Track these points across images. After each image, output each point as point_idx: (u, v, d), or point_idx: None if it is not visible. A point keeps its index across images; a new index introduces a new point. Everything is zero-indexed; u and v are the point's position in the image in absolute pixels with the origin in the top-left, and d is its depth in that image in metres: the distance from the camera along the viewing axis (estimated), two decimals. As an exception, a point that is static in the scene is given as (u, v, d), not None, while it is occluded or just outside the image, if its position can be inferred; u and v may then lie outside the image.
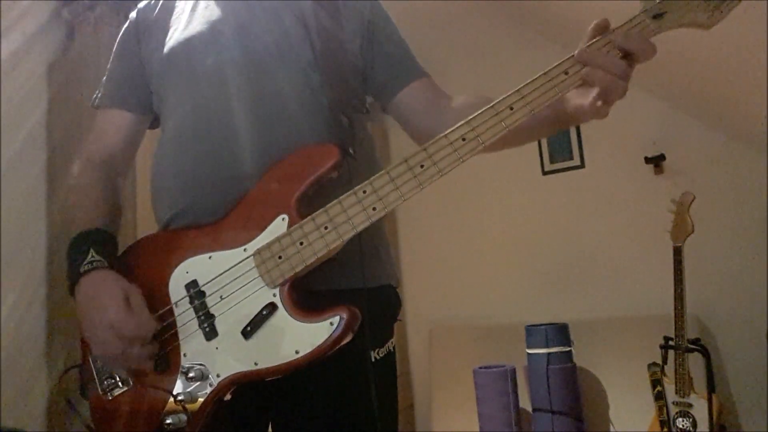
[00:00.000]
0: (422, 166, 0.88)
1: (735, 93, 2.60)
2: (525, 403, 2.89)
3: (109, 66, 1.24)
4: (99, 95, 1.22)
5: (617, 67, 0.83)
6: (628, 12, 0.88)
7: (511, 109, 0.87)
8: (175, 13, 1.18)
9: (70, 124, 2.49)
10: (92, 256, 0.99)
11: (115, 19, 2.55)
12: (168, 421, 0.91)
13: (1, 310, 2.25)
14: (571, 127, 0.97)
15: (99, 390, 1.00)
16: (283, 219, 0.92)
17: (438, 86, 1.17)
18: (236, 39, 1.08)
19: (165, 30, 1.15)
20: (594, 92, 0.85)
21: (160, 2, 1.21)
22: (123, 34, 1.23)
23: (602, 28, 0.87)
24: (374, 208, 0.89)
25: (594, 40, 0.87)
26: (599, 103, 0.86)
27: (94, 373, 1.01)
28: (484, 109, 0.89)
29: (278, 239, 0.91)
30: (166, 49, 1.12)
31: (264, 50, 1.07)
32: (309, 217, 0.91)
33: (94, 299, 0.96)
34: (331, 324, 0.86)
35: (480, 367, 2.96)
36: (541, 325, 2.84)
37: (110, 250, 1.04)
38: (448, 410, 3.18)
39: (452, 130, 0.89)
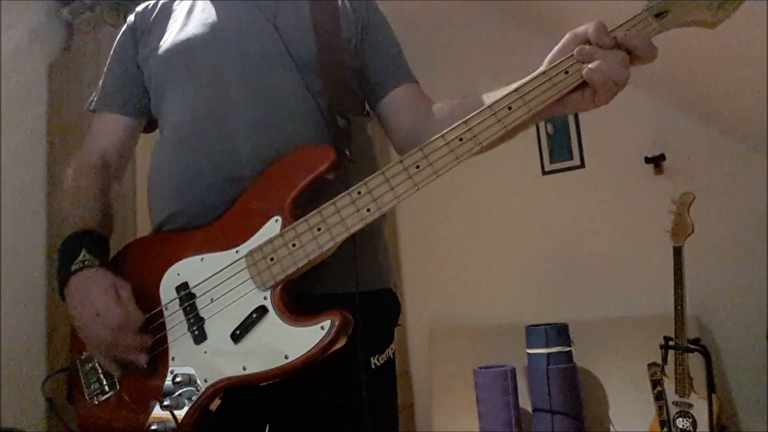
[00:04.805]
0: (418, 167, 0.87)
1: (735, 93, 2.59)
2: (525, 403, 2.89)
3: (105, 70, 1.24)
4: (95, 99, 1.23)
5: (617, 72, 0.82)
6: (629, 12, 0.87)
7: (510, 108, 0.86)
8: (172, 15, 1.18)
9: (70, 124, 2.49)
10: (84, 256, 0.99)
11: (115, 19, 2.55)
12: (154, 427, 0.89)
13: (1, 310, 2.26)
14: (562, 114, 0.95)
15: (85, 394, 0.99)
16: (276, 220, 0.91)
17: (425, 94, 1.17)
18: (234, 40, 1.08)
19: (162, 32, 1.15)
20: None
21: (158, 6, 1.21)
22: (120, 38, 1.23)
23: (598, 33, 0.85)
24: (368, 209, 0.87)
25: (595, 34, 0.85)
26: (591, 97, 0.85)
27: (81, 376, 1.00)
28: (481, 108, 0.88)
29: (270, 241, 0.90)
30: (163, 51, 1.12)
31: (262, 51, 1.06)
32: (302, 219, 0.89)
33: (83, 293, 0.95)
34: (322, 328, 0.84)
35: (480, 367, 2.96)
36: (541, 325, 2.84)
37: (102, 250, 1.03)
38: (448, 410, 3.18)
39: (449, 131, 0.88)
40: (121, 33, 1.23)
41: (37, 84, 2.60)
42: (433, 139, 0.88)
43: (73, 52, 2.60)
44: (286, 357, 0.85)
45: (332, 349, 0.85)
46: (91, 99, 1.23)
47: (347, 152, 1.00)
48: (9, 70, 2.45)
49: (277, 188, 0.93)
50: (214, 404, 0.91)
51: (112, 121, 1.20)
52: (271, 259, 0.89)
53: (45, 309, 2.45)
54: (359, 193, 0.88)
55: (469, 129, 0.87)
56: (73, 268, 0.98)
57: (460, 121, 0.88)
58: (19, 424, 2.18)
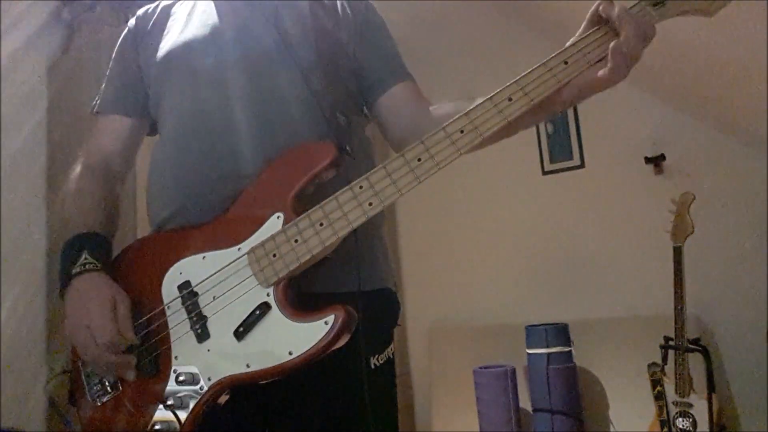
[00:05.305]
0: (419, 160, 0.87)
1: (735, 93, 2.59)
2: (525, 403, 2.89)
3: (107, 72, 1.24)
4: (98, 101, 1.23)
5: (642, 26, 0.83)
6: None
7: (510, 100, 0.87)
8: (173, 17, 1.18)
9: (70, 124, 2.49)
10: (85, 259, 0.98)
11: (115, 19, 2.55)
12: (157, 428, 0.88)
13: (1, 310, 2.25)
14: (578, 102, 0.95)
15: (88, 396, 0.99)
16: (278, 217, 0.91)
17: (421, 92, 1.17)
18: (235, 40, 1.08)
19: (163, 34, 1.16)
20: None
21: (159, 9, 1.22)
22: (121, 41, 1.23)
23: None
24: (370, 204, 0.87)
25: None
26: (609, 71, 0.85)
27: (83, 378, 1.00)
28: (482, 100, 0.88)
29: (272, 237, 0.90)
30: (164, 51, 1.12)
31: (263, 51, 1.07)
32: (304, 214, 0.89)
33: (81, 301, 0.95)
34: (326, 323, 0.84)
35: (480, 367, 2.96)
36: (541, 325, 2.84)
37: (104, 253, 1.03)
38: (448, 410, 3.18)
39: (450, 123, 0.88)
40: (122, 36, 1.24)
41: (37, 84, 2.60)
42: (434, 131, 0.88)
43: (73, 52, 2.60)
44: (290, 353, 0.85)
45: (336, 345, 0.84)
46: (93, 102, 1.23)
47: (348, 149, 1.00)
48: (9, 70, 2.45)
49: (278, 185, 0.93)
50: (221, 400, 0.90)
51: (115, 123, 1.20)
52: (274, 256, 0.89)
53: (45, 309, 2.44)
54: (361, 187, 0.88)
55: (470, 121, 0.87)
56: (75, 270, 0.98)
57: (460, 114, 0.88)
58: (19, 425, 2.18)
